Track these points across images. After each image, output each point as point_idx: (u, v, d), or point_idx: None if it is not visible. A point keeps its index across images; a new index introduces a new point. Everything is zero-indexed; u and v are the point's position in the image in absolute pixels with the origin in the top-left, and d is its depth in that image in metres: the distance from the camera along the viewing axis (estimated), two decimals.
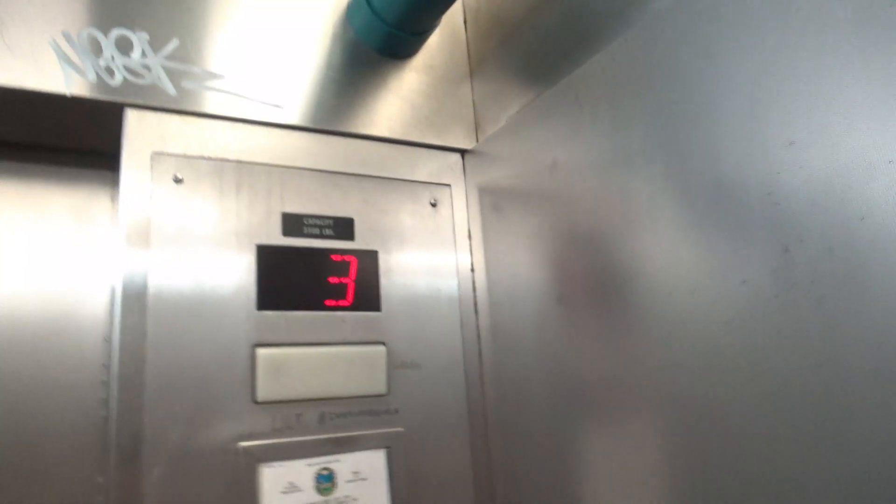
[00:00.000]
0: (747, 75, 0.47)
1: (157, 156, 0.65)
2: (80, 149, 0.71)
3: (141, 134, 0.65)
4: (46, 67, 0.62)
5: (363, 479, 0.67)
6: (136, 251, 0.62)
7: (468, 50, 0.88)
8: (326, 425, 0.67)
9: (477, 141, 0.84)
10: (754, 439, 0.45)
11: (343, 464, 0.67)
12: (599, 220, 0.60)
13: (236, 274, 0.66)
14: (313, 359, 0.68)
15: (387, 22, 0.76)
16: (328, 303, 0.70)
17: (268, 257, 0.68)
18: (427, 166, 0.81)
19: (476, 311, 0.79)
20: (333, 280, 0.71)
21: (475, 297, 0.80)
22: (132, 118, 0.65)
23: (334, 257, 0.72)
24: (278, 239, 0.69)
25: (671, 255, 0.52)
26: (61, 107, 0.63)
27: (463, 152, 0.84)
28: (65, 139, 0.69)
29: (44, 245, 0.69)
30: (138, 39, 0.66)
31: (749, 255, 0.46)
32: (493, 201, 0.78)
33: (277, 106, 0.72)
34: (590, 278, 0.61)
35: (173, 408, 0.61)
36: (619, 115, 0.58)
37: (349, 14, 0.80)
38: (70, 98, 0.62)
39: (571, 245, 0.64)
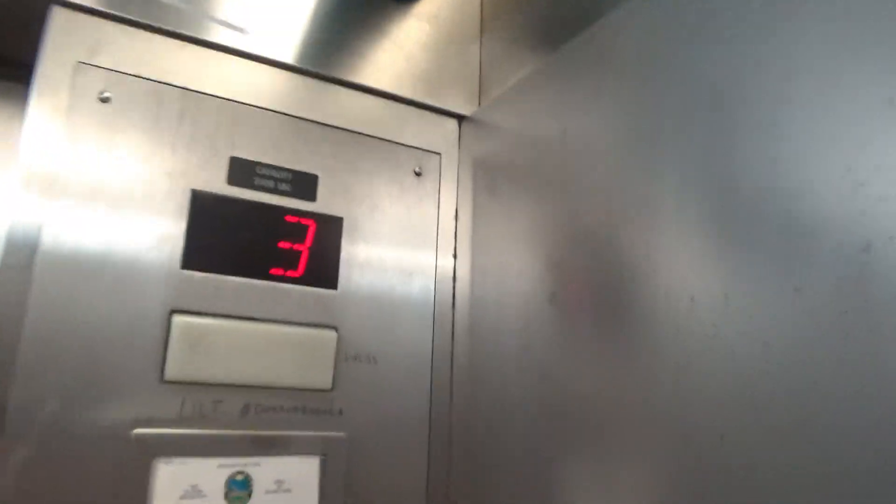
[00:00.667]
0: (828, 27, 0.34)
1: (82, 66, 0.53)
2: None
3: (66, 39, 0.53)
4: None
5: (287, 491, 0.55)
6: (36, 177, 0.50)
7: (482, 3, 0.76)
8: (250, 419, 0.55)
9: (479, 107, 0.71)
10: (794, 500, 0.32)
11: (264, 469, 0.54)
12: (613, 206, 0.47)
13: (161, 222, 0.54)
14: (244, 335, 0.55)
15: None
16: (274, 271, 0.58)
17: (204, 207, 0.56)
18: (416, 129, 0.69)
19: (454, 304, 0.67)
20: (284, 245, 0.59)
21: (454, 287, 0.67)
22: (58, 18, 0.53)
23: (289, 218, 0.59)
24: (221, 187, 0.57)
25: (698, 253, 0.39)
26: None
27: (461, 119, 0.72)
28: None
29: None
30: None
31: (808, 253, 0.33)
32: (489, 179, 0.65)
33: (242, 30, 0.60)
34: (594, 277, 0.48)
35: (52, 376, 0.48)
36: (650, 76, 0.46)
37: None
38: None
39: (576, 235, 0.51)
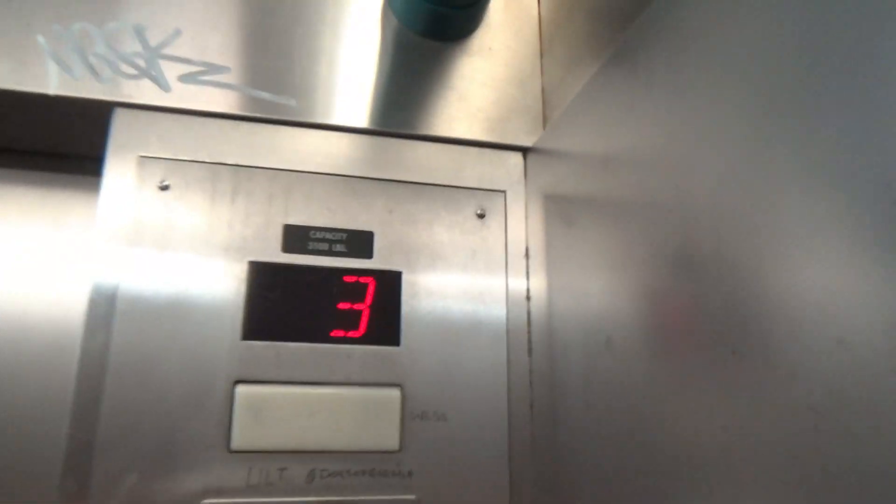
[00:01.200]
0: None
1: (143, 160, 0.58)
2: (66, 153, 0.66)
3: (129, 136, 0.58)
4: (31, 65, 0.57)
5: None
6: (109, 265, 0.55)
7: (539, 27, 0.72)
8: (316, 485, 0.55)
9: (543, 134, 0.67)
10: None
11: None
12: (715, 230, 0.38)
13: (222, 296, 0.56)
14: (305, 400, 0.56)
15: None
16: (334, 333, 0.58)
17: (260, 277, 0.57)
18: (476, 169, 0.66)
19: (530, 351, 0.62)
20: (344, 306, 0.59)
21: (530, 332, 0.63)
22: (120, 118, 0.58)
23: (346, 278, 0.59)
24: (276, 255, 0.58)
25: (830, 279, 0.29)
26: (46, 107, 0.57)
27: (525, 151, 0.68)
28: (49, 142, 0.64)
29: (25, 255, 0.65)
30: (134, 31, 0.60)
31: None
32: (563, 210, 0.61)
33: (290, 101, 0.62)
34: (700, 314, 0.39)
35: (129, 450, 0.52)
36: (753, 50, 0.37)
37: None
38: (54, 97, 0.56)
39: (673, 268, 0.43)
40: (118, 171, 0.57)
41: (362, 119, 0.63)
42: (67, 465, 0.51)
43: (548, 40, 0.70)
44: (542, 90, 0.69)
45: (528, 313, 0.63)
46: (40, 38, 0.57)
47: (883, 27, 0.26)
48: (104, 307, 0.54)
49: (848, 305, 0.27)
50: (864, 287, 0.27)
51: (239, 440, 0.54)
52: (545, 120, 0.68)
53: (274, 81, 0.62)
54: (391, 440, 0.57)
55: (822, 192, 0.29)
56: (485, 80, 0.68)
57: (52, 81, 0.56)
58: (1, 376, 0.63)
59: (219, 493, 0.53)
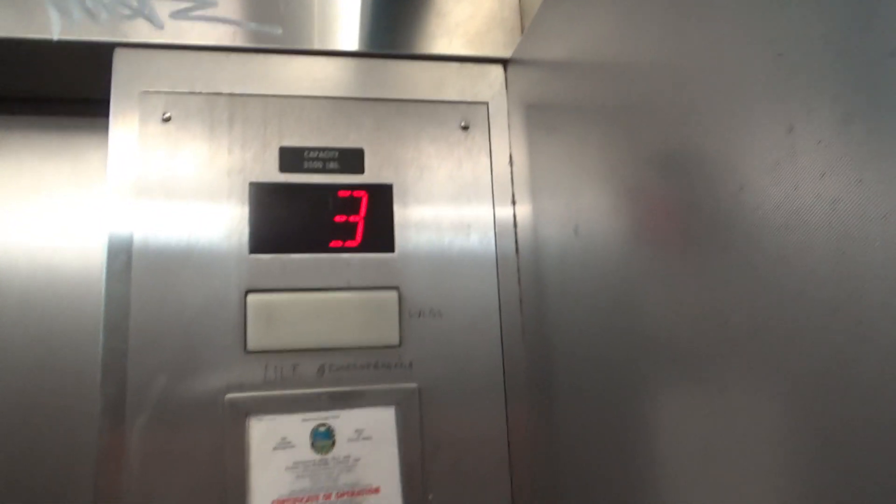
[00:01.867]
0: None
1: (145, 95, 0.62)
2: (73, 97, 0.71)
3: (129, 74, 0.62)
4: (34, 13, 0.61)
5: (367, 439, 0.60)
6: (123, 196, 0.60)
7: None
8: (326, 378, 0.61)
9: (522, 45, 0.69)
10: None
11: (344, 420, 0.60)
12: (698, 127, 0.38)
13: (228, 216, 0.62)
14: (311, 305, 0.62)
15: None
16: (333, 244, 0.63)
17: (262, 196, 0.62)
18: (458, 83, 0.69)
19: (517, 251, 0.67)
20: (340, 219, 0.64)
21: (516, 234, 0.67)
22: (120, 58, 0.62)
23: (341, 193, 0.64)
24: (275, 175, 0.63)
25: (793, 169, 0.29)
26: (50, 52, 0.62)
27: (505, 63, 0.71)
28: (57, 87, 0.69)
29: (45, 198, 0.71)
30: None
31: None
32: (545, 118, 0.64)
33: (276, 30, 0.65)
34: (684, 201, 0.41)
35: (158, 357, 0.58)
36: None
37: None
38: (57, 42, 0.61)
39: (657, 159, 0.45)
40: (123, 106, 0.62)
41: (346, 42, 0.67)
42: (105, 372, 0.58)
43: None
44: (520, 1, 0.71)
45: (514, 217, 0.68)
46: None
47: None
48: (122, 235, 0.59)
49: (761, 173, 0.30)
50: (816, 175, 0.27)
51: (254, 342, 0.60)
52: (523, 30, 0.70)
53: (259, 12, 0.66)
54: (392, 336, 0.63)
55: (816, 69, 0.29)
56: None
57: (54, 27, 0.61)
58: (33, 305, 0.69)
59: (240, 388, 0.59)
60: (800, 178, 0.27)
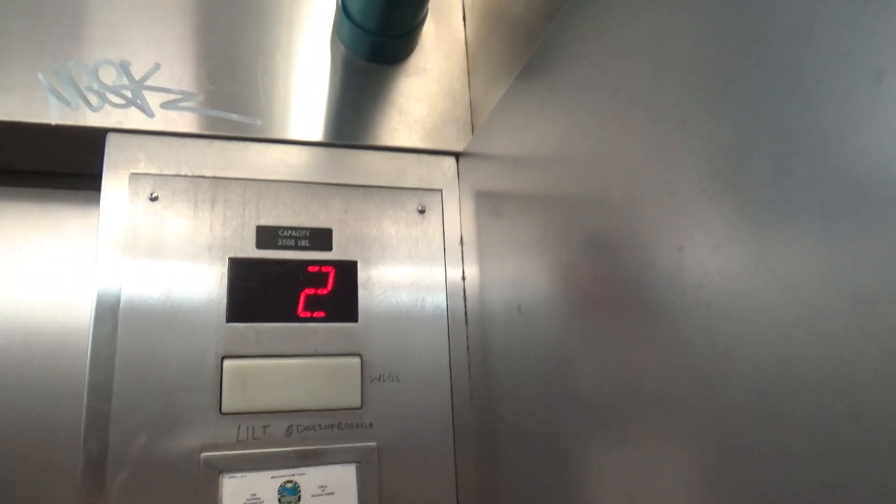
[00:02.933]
0: None
1: (134, 176, 0.69)
2: (66, 172, 0.76)
3: (121, 156, 0.69)
4: (34, 99, 0.67)
5: (330, 494, 0.66)
6: (111, 265, 0.66)
7: (466, 49, 0.84)
8: (293, 437, 0.67)
9: (471, 140, 0.80)
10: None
11: (309, 477, 0.66)
12: (618, 214, 0.48)
13: (207, 287, 0.68)
14: (281, 370, 0.68)
15: (367, 30, 0.75)
16: (302, 314, 0.70)
17: (239, 270, 0.69)
18: (416, 172, 0.79)
19: (466, 322, 0.76)
20: (309, 291, 0.71)
21: (466, 307, 0.76)
22: (113, 142, 0.69)
23: (311, 268, 0.72)
24: (251, 251, 0.70)
25: (720, 245, 0.37)
26: (48, 135, 0.68)
27: (458, 155, 0.81)
28: (51, 163, 0.75)
29: (30, 263, 0.76)
30: (120, 67, 0.70)
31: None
32: (492, 205, 0.74)
33: (256, 121, 0.73)
34: (607, 273, 0.49)
35: (139, 416, 0.63)
36: (627, 54, 0.50)
37: (336, 29, 0.79)
38: (55, 126, 0.67)
39: (586, 238, 0.53)
40: (114, 186, 0.68)
41: (318, 133, 0.75)
42: (88, 432, 0.62)
43: (473, 60, 0.83)
44: (470, 102, 0.82)
45: (464, 291, 0.76)
46: (40, 76, 0.68)
47: (768, 24, 0.35)
48: (110, 302, 0.65)
49: (725, 281, 0.37)
50: (742, 265, 0.35)
51: (228, 404, 0.66)
52: (474, 128, 0.81)
53: (241, 104, 0.74)
54: (354, 399, 0.70)
55: (708, 167, 0.38)
56: (421, 95, 0.80)
57: (52, 113, 0.67)
58: (17, 370, 0.73)
59: (214, 447, 0.65)
60: (732, 260, 0.37)
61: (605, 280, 0.49)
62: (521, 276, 0.64)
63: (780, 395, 0.32)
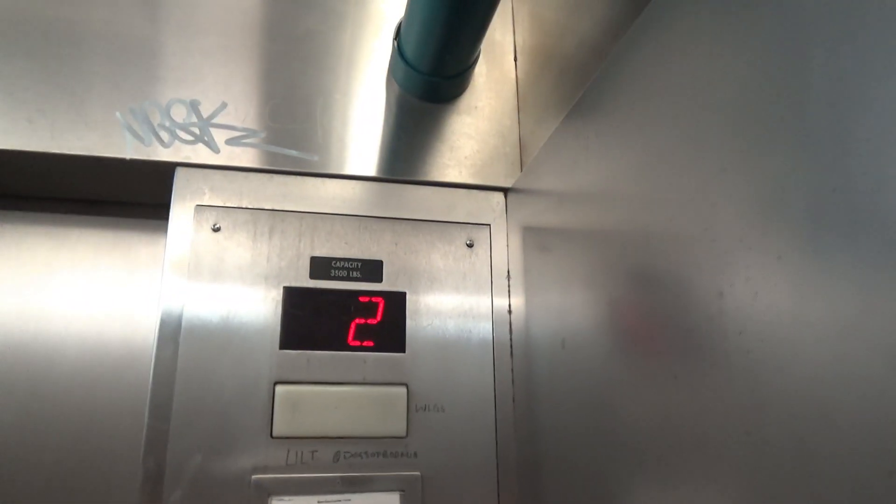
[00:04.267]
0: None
1: (199, 208, 0.73)
2: (136, 202, 0.81)
3: (188, 189, 0.73)
4: (112, 135, 0.72)
5: None
6: (174, 291, 0.70)
7: (517, 88, 0.87)
8: (341, 464, 0.69)
9: (520, 177, 0.82)
10: None
11: (354, 503, 0.68)
12: (660, 254, 0.48)
13: (263, 314, 0.71)
14: (331, 397, 0.70)
15: (420, 70, 0.78)
16: (352, 343, 0.72)
17: (293, 298, 0.72)
18: (465, 207, 0.81)
19: (512, 356, 0.77)
20: (359, 321, 0.73)
21: (511, 340, 0.77)
22: (181, 176, 0.73)
23: (361, 298, 0.74)
24: (305, 281, 0.73)
25: (759, 295, 0.37)
26: (123, 168, 0.73)
27: (506, 191, 0.83)
28: (123, 195, 0.80)
29: (101, 286, 0.80)
30: (190, 106, 0.75)
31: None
32: (539, 240, 0.75)
33: (313, 157, 0.77)
34: (656, 312, 0.48)
35: (195, 436, 0.66)
36: (672, 98, 0.52)
37: (391, 69, 0.83)
38: (130, 161, 0.72)
39: (633, 275, 0.53)
40: (180, 217, 0.72)
41: (371, 169, 0.78)
42: (147, 449, 0.65)
43: (523, 98, 0.85)
44: (520, 140, 0.84)
45: (510, 324, 0.78)
46: (118, 115, 0.73)
47: (806, 77, 0.36)
48: (172, 326, 0.69)
49: (742, 301, 0.38)
50: (780, 313, 0.35)
51: (279, 428, 0.68)
52: (522, 164, 0.83)
53: (300, 141, 0.78)
54: (400, 428, 0.71)
55: (747, 216, 0.41)
56: (471, 133, 0.83)
57: (128, 148, 0.72)
58: (83, 386, 0.78)
59: (265, 469, 0.67)
60: (780, 307, 0.37)
61: (648, 319, 0.50)
62: (566, 312, 0.65)
63: (818, 445, 0.32)
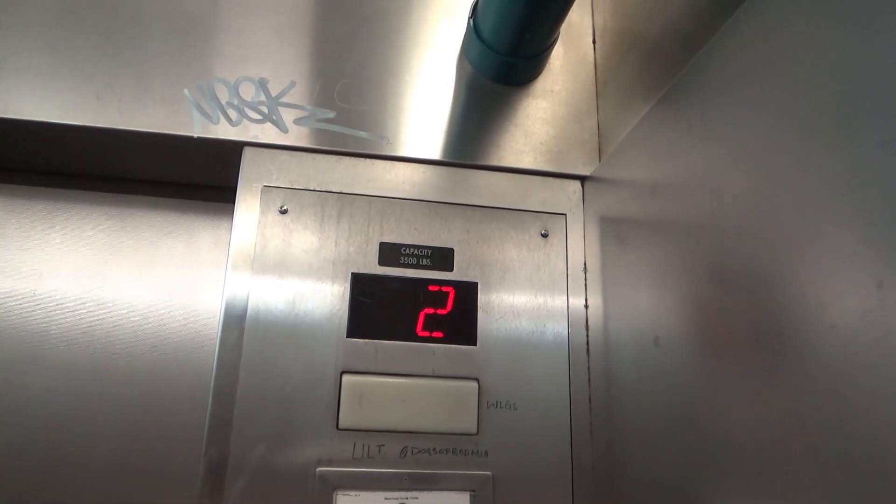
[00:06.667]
0: None
1: (266, 189, 0.70)
2: (200, 184, 0.79)
3: (255, 169, 0.71)
4: (180, 113, 0.70)
5: None
6: (240, 275, 0.67)
7: (595, 72, 0.82)
8: (408, 460, 0.65)
9: (599, 165, 0.77)
10: None
11: (422, 501, 0.64)
12: (741, 248, 0.47)
13: (330, 301, 0.68)
14: (398, 389, 0.67)
15: (497, 51, 0.75)
16: (421, 334, 0.69)
17: (361, 285, 0.69)
18: (540, 195, 0.77)
19: (588, 353, 0.72)
20: (428, 311, 0.70)
21: (588, 337, 0.73)
22: (248, 155, 0.71)
23: (431, 287, 0.70)
24: (374, 268, 0.70)
25: (843, 291, 0.36)
26: (190, 147, 0.71)
27: (583, 179, 0.78)
28: (188, 175, 0.78)
29: (163, 270, 0.78)
30: (259, 84, 0.73)
31: None
32: (618, 232, 0.70)
33: (384, 139, 0.74)
34: (745, 312, 0.46)
35: (259, 426, 0.63)
36: (778, 85, 0.47)
37: (465, 49, 0.79)
38: (197, 139, 0.70)
39: (719, 273, 0.50)
40: (247, 197, 0.70)
41: (443, 153, 0.75)
42: (211, 438, 0.63)
43: (602, 83, 0.80)
44: (598, 126, 0.80)
45: (587, 319, 0.73)
46: (186, 92, 0.71)
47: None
48: (237, 311, 0.66)
49: (852, 316, 0.36)
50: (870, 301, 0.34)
51: (345, 420, 0.65)
52: (600, 152, 0.78)
53: (369, 122, 0.74)
54: (470, 424, 0.67)
55: (832, 213, 0.39)
56: (547, 117, 0.79)
57: (196, 126, 0.70)
58: (144, 372, 0.76)
59: (329, 462, 0.64)
60: (891, 327, 0.32)
61: (769, 326, 0.45)
62: (657, 308, 0.61)
63: None
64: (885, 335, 0.32)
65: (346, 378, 0.66)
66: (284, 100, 0.73)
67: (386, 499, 0.64)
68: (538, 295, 0.73)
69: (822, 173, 0.39)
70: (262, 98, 0.72)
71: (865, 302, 0.34)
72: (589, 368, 0.72)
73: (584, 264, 0.75)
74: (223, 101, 0.71)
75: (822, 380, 0.37)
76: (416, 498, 0.64)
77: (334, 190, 0.72)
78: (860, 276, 0.35)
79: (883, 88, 0.35)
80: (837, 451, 0.36)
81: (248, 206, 0.70)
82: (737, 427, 0.47)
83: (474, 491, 0.65)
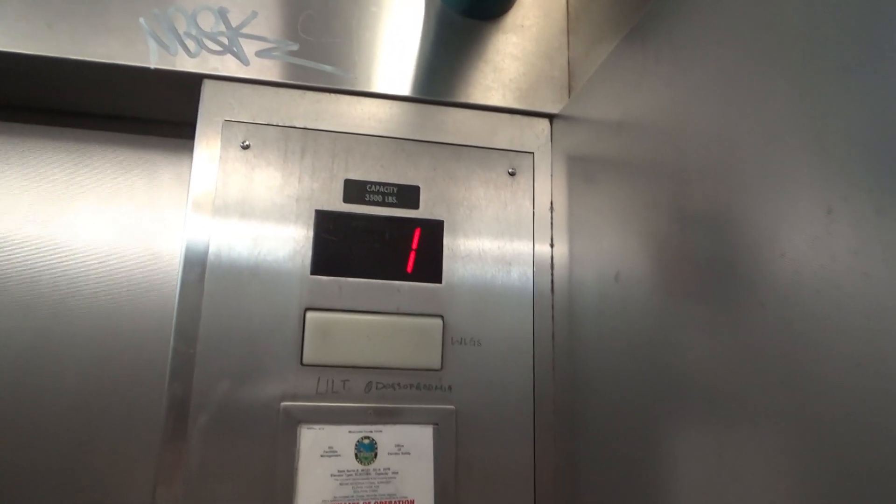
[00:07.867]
0: None
1: (227, 123, 0.68)
2: (160, 119, 0.77)
3: (215, 103, 0.69)
4: (135, 42, 0.68)
5: (406, 454, 0.65)
6: (201, 212, 0.66)
7: (567, 7, 0.80)
8: (372, 394, 0.66)
9: (567, 103, 0.76)
10: None
11: (386, 435, 0.65)
12: (716, 184, 0.46)
13: (294, 238, 0.67)
14: (363, 325, 0.67)
15: None
16: (386, 271, 0.69)
17: (325, 223, 0.68)
18: (508, 133, 0.76)
19: (552, 291, 0.73)
20: (393, 249, 0.69)
21: (553, 274, 0.73)
22: (208, 89, 0.69)
23: (396, 225, 0.70)
24: (338, 205, 0.69)
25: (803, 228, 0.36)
26: (146, 79, 0.69)
27: (552, 117, 0.77)
28: (146, 110, 0.76)
29: (123, 208, 0.77)
30: (218, 14, 0.70)
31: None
32: (585, 171, 0.70)
33: (349, 74, 0.72)
34: (702, 256, 0.47)
35: (222, 363, 0.63)
36: (745, 22, 0.46)
37: None
38: (154, 70, 0.67)
39: (683, 212, 0.50)
40: (207, 132, 0.68)
41: (410, 88, 0.73)
42: (173, 373, 0.63)
43: (574, 18, 0.79)
44: (568, 63, 0.78)
45: (552, 258, 0.73)
46: (142, 20, 0.68)
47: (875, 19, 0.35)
48: (199, 248, 0.65)
49: (801, 244, 0.36)
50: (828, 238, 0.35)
51: (309, 356, 0.65)
52: (570, 90, 0.77)
53: (335, 56, 0.72)
54: (434, 360, 0.68)
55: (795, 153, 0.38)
56: (517, 53, 0.77)
57: (152, 57, 0.67)
58: (104, 312, 0.75)
59: (294, 397, 0.64)
60: (836, 252, 0.33)
61: (725, 258, 0.45)
62: (620, 246, 0.61)
63: (876, 394, 0.30)
64: (830, 260, 0.33)
65: (309, 315, 0.66)
66: (245, 31, 0.70)
67: (350, 432, 0.65)
68: (504, 233, 0.73)
69: (783, 104, 0.39)
70: (222, 28, 0.70)
71: (814, 228, 0.34)
72: (553, 305, 0.72)
73: (551, 203, 0.75)
74: (181, 31, 0.69)
75: (769, 307, 0.38)
76: (381, 431, 0.65)
77: (298, 125, 0.70)
78: (811, 204, 0.35)
79: (844, 12, 0.34)
80: (782, 375, 0.37)
81: (208, 141, 0.68)
82: (692, 356, 0.48)
83: (437, 424, 0.66)
